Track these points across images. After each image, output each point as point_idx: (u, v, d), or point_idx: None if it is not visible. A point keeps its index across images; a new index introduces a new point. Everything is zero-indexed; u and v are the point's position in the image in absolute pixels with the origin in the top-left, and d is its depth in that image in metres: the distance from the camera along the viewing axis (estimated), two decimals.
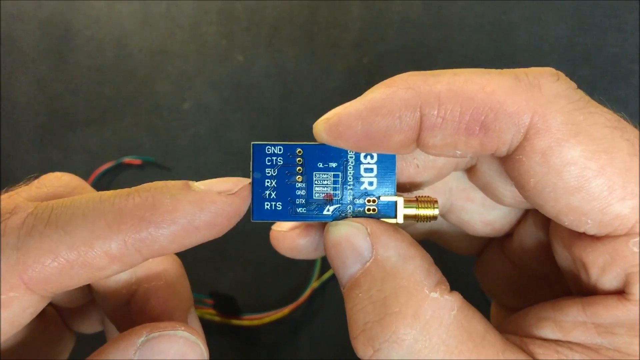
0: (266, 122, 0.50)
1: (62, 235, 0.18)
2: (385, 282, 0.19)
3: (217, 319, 0.45)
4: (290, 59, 0.50)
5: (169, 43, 0.51)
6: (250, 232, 0.48)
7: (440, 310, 0.18)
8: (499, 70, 0.19)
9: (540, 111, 0.18)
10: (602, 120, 0.18)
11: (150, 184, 0.20)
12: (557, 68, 0.20)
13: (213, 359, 0.51)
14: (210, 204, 0.19)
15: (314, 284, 0.46)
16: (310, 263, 0.47)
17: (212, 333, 0.46)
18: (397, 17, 0.50)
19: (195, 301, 0.46)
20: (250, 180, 0.21)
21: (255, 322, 0.46)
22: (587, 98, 0.19)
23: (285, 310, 0.46)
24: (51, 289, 0.19)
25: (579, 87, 0.19)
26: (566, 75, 0.19)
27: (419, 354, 0.18)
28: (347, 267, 0.20)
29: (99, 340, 0.28)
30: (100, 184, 0.48)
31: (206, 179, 0.54)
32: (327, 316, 0.47)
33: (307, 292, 0.46)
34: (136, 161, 0.48)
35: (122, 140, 0.50)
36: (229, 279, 0.48)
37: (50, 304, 0.28)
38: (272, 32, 0.51)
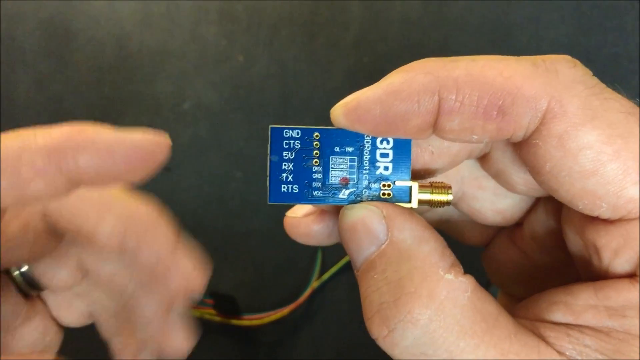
0: (266, 122, 0.49)
1: None
2: (400, 264, 0.19)
3: (217, 319, 0.45)
4: (290, 59, 0.50)
5: (169, 43, 0.51)
6: (250, 232, 0.48)
7: (454, 292, 0.19)
8: (515, 57, 0.19)
9: (557, 96, 0.18)
10: (617, 105, 0.18)
11: None
12: None
13: (213, 359, 0.51)
14: (126, 138, 0.20)
15: (314, 284, 0.46)
16: (310, 263, 0.47)
17: (212, 333, 0.46)
18: (397, 17, 0.50)
19: (195, 301, 0.46)
20: (168, 140, 0.21)
21: (255, 322, 0.46)
22: (603, 85, 0.19)
23: (285, 310, 0.46)
24: None
25: None
26: None
27: (434, 333, 0.18)
28: (363, 250, 0.20)
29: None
30: None
31: (206, 178, 0.54)
32: (327, 316, 0.47)
33: (307, 292, 0.46)
34: None
35: None
36: (229, 279, 0.48)
37: (39, 298, 0.28)
38: (272, 32, 0.51)
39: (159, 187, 0.28)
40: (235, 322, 0.45)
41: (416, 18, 0.50)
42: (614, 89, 0.19)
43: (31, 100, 0.50)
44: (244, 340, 0.47)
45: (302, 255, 0.47)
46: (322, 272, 0.47)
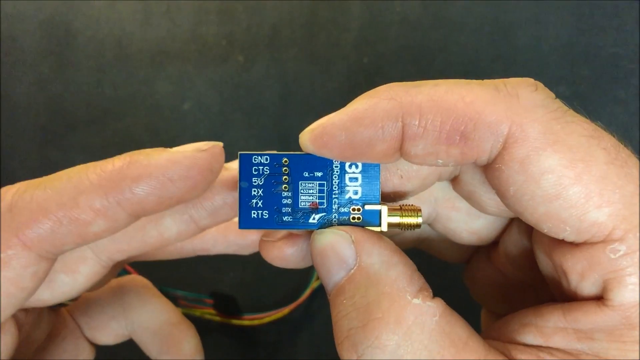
0: (266, 122, 0.50)
1: (50, 195, 0.19)
2: (368, 289, 0.19)
3: (217, 319, 0.46)
4: (290, 59, 0.50)
5: (169, 43, 0.51)
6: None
7: (422, 316, 0.19)
8: (479, 81, 0.20)
9: (518, 120, 0.18)
10: (579, 129, 0.18)
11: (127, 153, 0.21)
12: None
13: (213, 359, 0.51)
14: (181, 158, 0.20)
15: (314, 284, 0.46)
16: None
17: (212, 333, 0.46)
18: (397, 18, 0.50)
19: (195, 301, 0.46)
20: (221, 143, 0.22)
21: (255, 322, 0.46)
22: (565, 108, 0.19)
23: (285, 310, 0.46)
24: (47, 246, 0.20)
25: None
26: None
27: (402, 359, 0.18)
28: (332, 275, 0.20)
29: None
30: None
31: None
32: (327, 316, 0.47)
33: (307, 292, 0.46)
34: None
35: (122, 140, 0.50)
36: (229, 279, 0.48)
37: (70, 316, 0.28)
38: (272, 32, 0.51)
39: None
40: (235, 322, 0.46)
41: (416, 18, 0.50)
42: (576, 110, 0.19)
43: (31, 100, 0.50)
44: (244, 340, 0.47)
45: None
46: None
